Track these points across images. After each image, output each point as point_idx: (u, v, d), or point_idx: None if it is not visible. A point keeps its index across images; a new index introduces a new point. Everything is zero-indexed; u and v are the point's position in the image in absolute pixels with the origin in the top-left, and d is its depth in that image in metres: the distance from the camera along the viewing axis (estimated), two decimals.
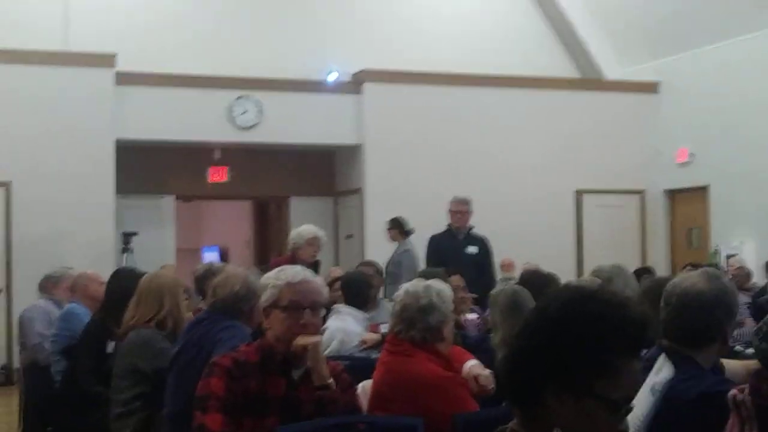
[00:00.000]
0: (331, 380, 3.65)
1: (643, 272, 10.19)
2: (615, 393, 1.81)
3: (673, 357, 3.17)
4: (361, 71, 13.12)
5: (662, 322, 3.30)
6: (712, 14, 12.81)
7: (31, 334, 7.83)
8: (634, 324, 1.85)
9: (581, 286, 1.97)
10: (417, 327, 4.05)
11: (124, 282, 6.11)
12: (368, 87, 13.07)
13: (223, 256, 16.44)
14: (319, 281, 3.81)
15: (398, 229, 10.45)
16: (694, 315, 3.16)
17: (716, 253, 12.64)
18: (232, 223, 17.10)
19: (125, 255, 11.66)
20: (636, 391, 1.87)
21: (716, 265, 10.26)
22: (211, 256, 15.52)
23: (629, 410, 1.85)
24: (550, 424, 1.84)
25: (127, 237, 11.82)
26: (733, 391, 2.38)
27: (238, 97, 12.57)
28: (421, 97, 13.10)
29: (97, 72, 11.79)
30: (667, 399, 3.03)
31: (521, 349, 1.89)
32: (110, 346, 5.98)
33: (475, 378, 4.14)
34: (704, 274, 3.35)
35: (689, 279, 3.33)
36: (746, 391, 2.36)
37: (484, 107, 13.34)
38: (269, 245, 15.73)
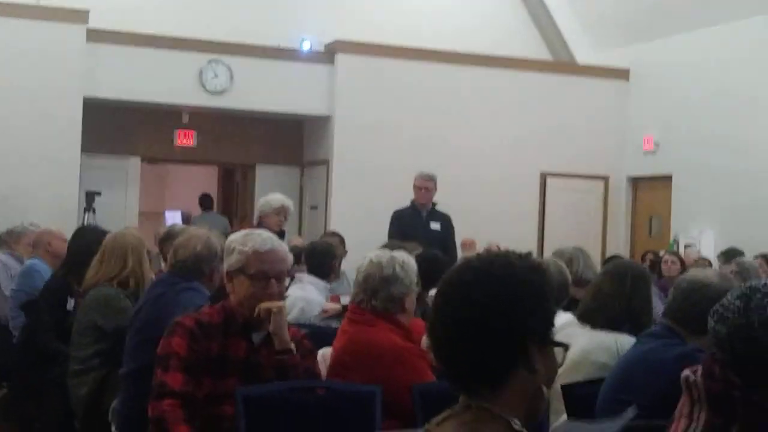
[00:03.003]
0: (292, 345, 3.69)
1: (612, 260, 10.30)
2: (556, 336, 1.95)
3: (665, 332, 3.59)
4: (334, 42, 13.08)
5: (667, 303, 3.71)
6: (687, 3, 12.89)
7: None
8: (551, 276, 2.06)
9: (484, 256, 2.02)
10: (379, 297, 4.08)
11: (87, 239, 6.11)
12: (340, 58, 13.04)
13: (186, 221, 16.36)
14: (284, 249, 3.85)
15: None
16: (695, 303, 3.39)
17: (675, 242, 12.78)
18: (196, 188, 16.98)
19: (87, 214, 11.57)
20: None
21: (675, 254, 10.39)
22: (173, 219, 15.42)
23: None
24: (523, 389, 1.89)
25: (90, 196, 11.72)
26: (686, 372, 2.44)
27: (210, 61, 12.49)
28: (393, 71, 13.09)
29: (69, 28, 11.64)
30: (651, 358, 3.49)
31: (485, 321, 1.87)
32: (70, 303, 5.99)
33: None
34: (718, 272, 3.69)
35: (703, 272, 3.65)
36: (699, 372, 2.41)
37: (455, 85, 13.35)
38: (234, 212, 15.70)
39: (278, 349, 3.66)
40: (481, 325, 1.87)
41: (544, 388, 1.92)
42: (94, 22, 11.75)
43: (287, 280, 4.34)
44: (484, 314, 1.87)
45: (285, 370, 3.64)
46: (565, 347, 1.97)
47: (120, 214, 12.49)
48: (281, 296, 3.77)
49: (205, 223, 10.08)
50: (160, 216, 15.97)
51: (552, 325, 1.93)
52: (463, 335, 1.89)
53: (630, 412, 2.07)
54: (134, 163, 13.41)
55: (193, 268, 4.59)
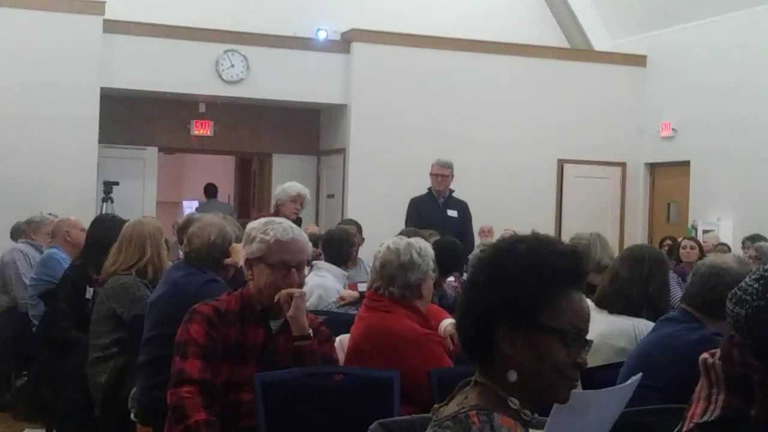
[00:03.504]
0: (310, 331, 3.69)
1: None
2: (558, 322, 1.93)
3: (684, 317, 3.59)
4: (350, 30, 13.08)
5: (686, 288, 3.72)
6: None
7: (15, 277, 7.84)
8: (564, 256, 1.98)
9: (514, 235, 2.12)
10: (396, 283, 4.09)
11: (106, 228, 6.12)
12: (357, 47, 13.04)
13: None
14: (305, 238, 3.84)
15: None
16: (713, 287, 3.38)
17: (693, 228, 12.75)
18: (214, 178, 17.01)
19: (105, 204, 11.63)
20: (583, 321, 1.97)
21: (694, 240, 10.35)
22: (190, 209, 15.51)
23: (586, 342, 1.97)
24: (506, 369, 1.94)
25: (108, 186, 11.78)
26: (704, 355, 2.43)
27: (226, 51, 12.52)
28: (409, 60, 13.08)
29: (86, 19, 11.69)
30: (669, 342, 3.49)
31: (467, 300, 2.00)
32: (89, 292, 6.01)
33: (451, 336, 4.18)
34: (736, 257, 3.66)
35: (722, 257, 3.63)
36: (717, 355, 2.41)
37: (471, 72, 13.33)
38: (251, 201, 15.74)
39: (296, 335, 3.66)
40: (465, 304, 2.02)
41: (558, 374, 1.93)
42: (111, 13, 11.80)
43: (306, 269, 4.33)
44: (467, 295, 2.02)
45: (302, 357, 3.65)
46: (560, 332, 1.92)
47: (138, 203, 12.55)
48: (301, 285, 3.77)
49: (209, 210, 10.18)
50: (177, 206, 16.05)
51: (535, 309, 1.93)
52: (457, 314, 2.06)
53: (636, 378, 2.08)
54: (151, 153, 13.46)
55: (208, 257, 4.59)
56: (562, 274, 1.96)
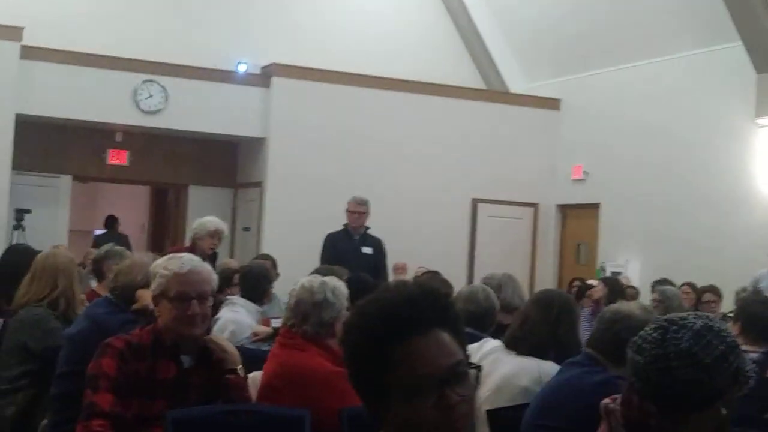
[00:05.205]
0: (240, 366, 3.74)
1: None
2: (401, 381, 1.80)
3: (587, 360, 3.72)
4: (270, 65, 13.13)
5: (591, 333, 3.86)
6: (614, 38, 13.18)
7: None
8: (397, 307, 1.86)
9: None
10: (310, 321, 4.14)
11: (18, 258, 6.05)
12: (276, 81, 13.09)
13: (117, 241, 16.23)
14: (207, 269, 3.87)
15: None
16: (616, 333, 3.52)
17: (602, 269, 12.99)
18: (128, 208, 16.90)
19: (17, 232, 11.46)
20: (431, 363, 1.81)
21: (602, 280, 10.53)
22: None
23: (449, 381, 1.81)
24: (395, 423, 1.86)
25: (20, 214, 11.62)
26: (606, 400, 2.52)
27: (144, 81, 12.47)
28: (329, 95, 13.17)
29: (3, 45, 11.56)
30: (573, 384, 3.62)
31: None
32: None
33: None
34: (640, 305, 3.83)
35: (627, 304, 3.81)
36: (618, 400, 2.49)
37: (389, 110, 13.47)
38: (165, 233, 15.62)
39: (228, 367, 3.73)
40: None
41: (431, 428, 1.81)
42: (29, 40, 11.67)
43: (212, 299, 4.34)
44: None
45: (229, 391, 3.73)
46: (406, 391, 1.80)
47: (50, 232, 12.37)
48: (204, 317, 3.79)
49: (106, 241, 10.08)
50: (90, 234, 15.84)
51: (381, 377, 1.83)
52: None
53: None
54: (65, 181, 13.29)
55: (132, 296, 4.59)
56: (396, 329, 1.84)
